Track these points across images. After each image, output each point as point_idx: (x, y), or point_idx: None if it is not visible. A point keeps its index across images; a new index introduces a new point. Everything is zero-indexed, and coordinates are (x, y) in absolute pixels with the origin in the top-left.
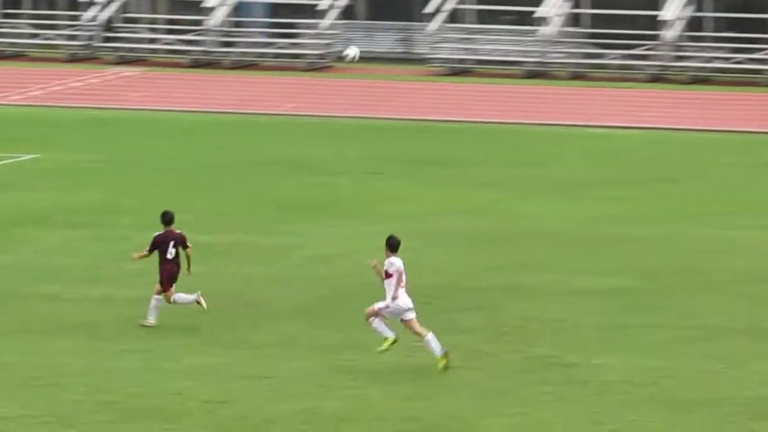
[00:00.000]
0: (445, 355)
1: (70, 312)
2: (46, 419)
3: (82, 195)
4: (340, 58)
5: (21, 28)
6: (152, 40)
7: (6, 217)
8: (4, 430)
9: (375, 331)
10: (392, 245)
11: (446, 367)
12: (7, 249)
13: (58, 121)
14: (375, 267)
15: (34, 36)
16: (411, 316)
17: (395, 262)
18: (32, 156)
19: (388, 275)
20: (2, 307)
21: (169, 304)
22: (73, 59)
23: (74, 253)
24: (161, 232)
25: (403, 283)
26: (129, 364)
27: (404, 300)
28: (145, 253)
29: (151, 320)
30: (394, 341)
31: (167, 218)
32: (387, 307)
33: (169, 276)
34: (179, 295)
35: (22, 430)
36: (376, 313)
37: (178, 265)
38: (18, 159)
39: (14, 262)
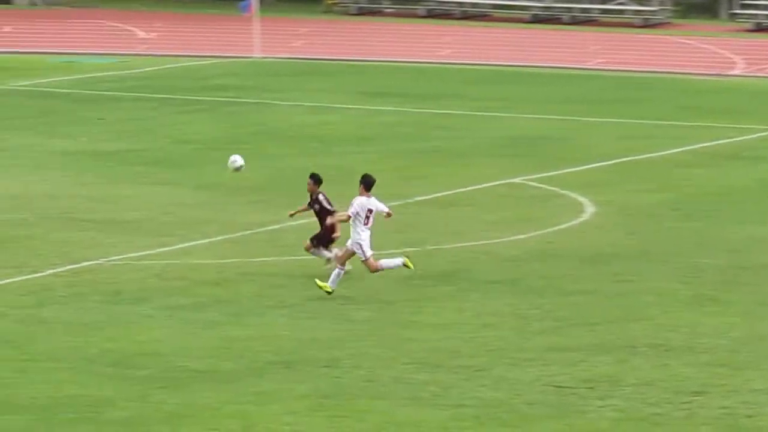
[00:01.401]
0: (329, 291)
1: None
2: None
3: None
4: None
5: None
6: None
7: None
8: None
9: (387, 268)
10: (366, 184)
11: (319, 287)
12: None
13: None
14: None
15: None
16: (353, 248)
17: (355, 202)
18: None
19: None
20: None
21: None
22: None
23: None
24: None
25: (370, 223)
26: None
27: (367, 235)
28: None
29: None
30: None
31: (320, 179)
32: (359, 246)
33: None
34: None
35: None
36: (351, 254)
37: None
38: None
39: None
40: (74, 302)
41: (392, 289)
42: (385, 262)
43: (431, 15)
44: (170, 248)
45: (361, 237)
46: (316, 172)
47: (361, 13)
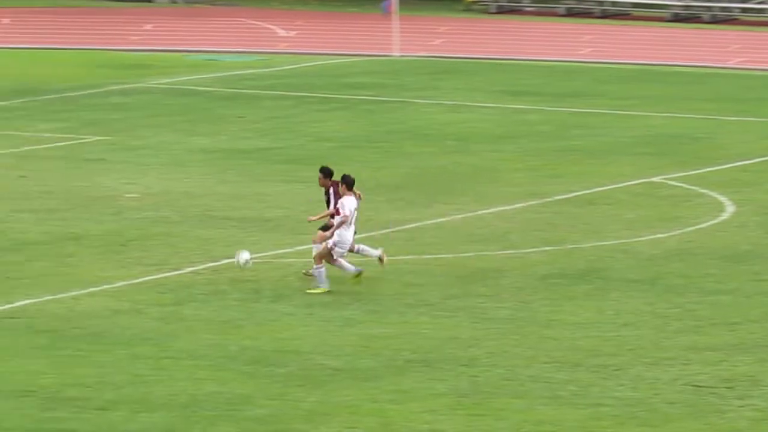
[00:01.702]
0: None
1: None
2: None
3: None
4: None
5: None
6: None
7: None
8: None
9: (342, 269)
10: (348, 182)
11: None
12: None
13: None
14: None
15: None
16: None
17: (345, 203)
18: None
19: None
20: None
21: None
22: None
23: None
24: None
25: (353, 221)
26: None
27: (350, 235)
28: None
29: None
30: (359, 274)
31: (330, 172)
32: (335, 245)
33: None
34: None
35: None
36: (329, 252)
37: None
38: None
39: None
40: (214, 300)
41: (531, 287)
42: (323, 268)
43: (571, 14)
44: (310, 246)
45: (343, 236)
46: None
47: (501, 11)
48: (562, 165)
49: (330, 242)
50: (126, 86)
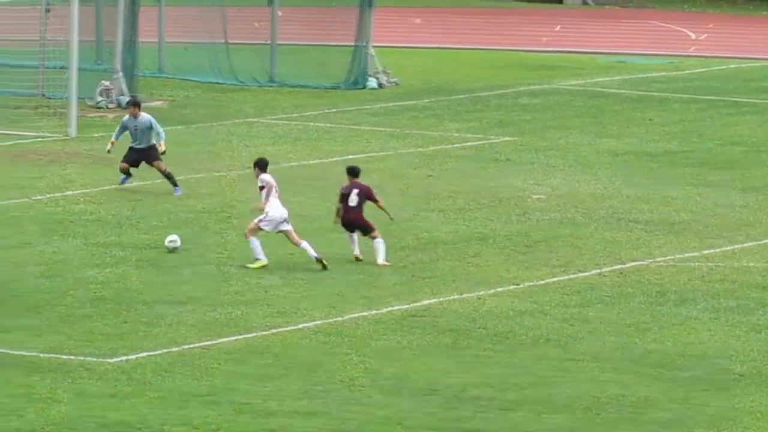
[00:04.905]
0: (320, 260)
1: None
2: None
3: None
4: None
5: None
6: None
7: None
8: None
9: (251, 249)
10: (260, 165)
11: (324, 268)
12: None
13: None
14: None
15: None
16: (287, 227)
17: (265, 178)
18: None
19: (261, 188)
20: None
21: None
22: None
23: None
24: (347, 184)
25: (276, 195)
26: None
27: (278, 212)
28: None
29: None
30: (264, 265)
31: (355, 171)
32: (262, 220)
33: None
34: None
35: None
36: (258, 228)
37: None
38: None
39: None
40: (619, 302)
41: None
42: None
43: None
44: (716, 250)
45: (268, 214)
46: None
47: None
48: None
49: (259, 218)
50: (535, 87)
